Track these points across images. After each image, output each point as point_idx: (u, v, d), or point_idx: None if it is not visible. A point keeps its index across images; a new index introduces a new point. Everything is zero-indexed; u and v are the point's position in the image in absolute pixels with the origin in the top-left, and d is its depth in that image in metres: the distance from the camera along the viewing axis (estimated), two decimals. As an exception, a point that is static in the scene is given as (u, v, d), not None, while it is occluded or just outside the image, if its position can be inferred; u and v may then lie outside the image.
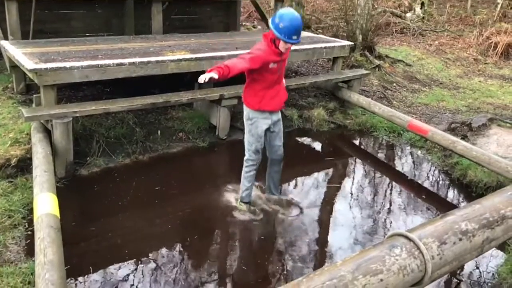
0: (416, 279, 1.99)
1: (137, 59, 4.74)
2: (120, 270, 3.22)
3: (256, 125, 3.73)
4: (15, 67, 5.01)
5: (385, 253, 1.93)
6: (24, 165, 4.14)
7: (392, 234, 2.11)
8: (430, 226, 2.16)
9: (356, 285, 1.76)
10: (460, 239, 2.14)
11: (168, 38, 6.08)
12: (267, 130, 3.80)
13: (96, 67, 4.47)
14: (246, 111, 3.76)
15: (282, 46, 3.44)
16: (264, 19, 8.46)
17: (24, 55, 4.51)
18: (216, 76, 3.20)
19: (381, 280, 1.83)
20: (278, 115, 3.86)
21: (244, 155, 3.87)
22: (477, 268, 3.56)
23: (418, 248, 1.99)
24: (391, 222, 4.11)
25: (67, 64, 4.34)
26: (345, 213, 4.17)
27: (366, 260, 1.88)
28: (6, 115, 4.81)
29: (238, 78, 5.90)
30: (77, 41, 5.44)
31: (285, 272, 3.33)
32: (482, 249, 2.93)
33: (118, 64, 4.60)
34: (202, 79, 3.19)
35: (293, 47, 6.00)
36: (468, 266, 3.52)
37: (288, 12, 3.39)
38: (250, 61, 3.38)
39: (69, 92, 5.56)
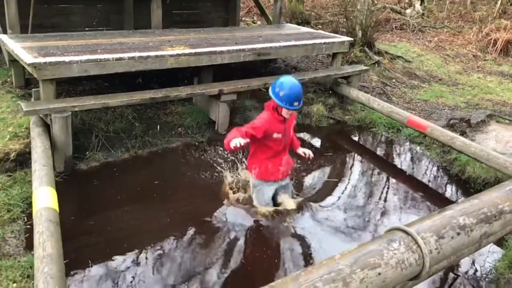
0: (414, 273, 2.00)
1: (137, 54, 4.74)
2: (119, 264, 3.23)
3: (262, 192, 3.76)
4: (14, 61, 5.00)
5: (383, 247, 1.93)
6: (23, 159, 4.14)
7: (391, 229, 2.11)
8: (429, 221, 2.16)
9: (354, 279, 1.77)
10: (458, 234, 2.14)
11: (167, 33, 6.07)
12: (274, 193, 3.82)
13: (95, 61, 4.47)
14: (252, 179, 3.79)
15: (285, 112, 3.50)
16: (263, 14, 8.44)
17: (23, 49, 4.50)
18: (244, 140, 3.32)
19: (379, 273, 1.84)
20: (286, 181, 3.87)
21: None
22: (475, 263, 3.57)
23: (416, 242, 1.99)
24: (389, 217, 4.11)
25: (66, 59, 4.33)
26: (343, 208, 4.17)
27: (364, 253, 1.88)
28: (5, 109, 4.80)
29: (236, 74, 5.92)
30: (76, 36, 5.43)
31: (283, 266, 3.34)
32: (480, 244, 2.95)
33: (117, 59, 4.59)
34: (237, 143, 3.28)
35: (293, 42, 6.05)
36: (466, 262, 3.53)
37: (287, 80, 3.45)
38: (253, 129, 3.46)
39: (68, 86, 5.56)
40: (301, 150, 3.84)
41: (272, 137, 3.54)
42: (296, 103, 3.42)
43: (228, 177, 4.23)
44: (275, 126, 3.53)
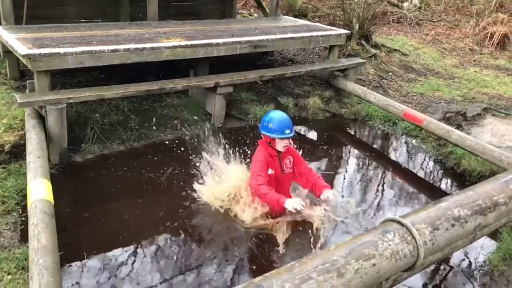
0: (409, 264, 2.00)
1: (132, 46, 4.71)
2: (114, 256, 3.23)
3: None
4: (8, 52, 4.96)
5: (378, 238, 1.94)
6: (18, 151, 4.11)
7: (386, 220, 2.11)
8: (423, 212, 2.16)
9: (349, 270, 1.77)
10: (453, 225, 2.15)
11: (163, 25, 6.03)
12: None
13: (91, 53, 4.44)
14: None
15: (279, 145, 3.51)
16: (260, 6, 8.40)
17: (17, 40, 4.46)
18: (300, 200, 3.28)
19: (374, 264, 1.84)
20: None
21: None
22: (469, 256, 3.59)
23: (411, 233, 2.00)
24: (385, 209, 4.13)
25: (61, 50, 4.30)
26: (339, 200, 4.17)
27: (359, 245, 1.89)
28: (0, 101, 4.76)
29: (232, 66, 5.89)
30: (71, 27, 5.39)
31: (277, 257, 3.34)
32: (475, 236, 2.96)
33: (112, 51, 4.56)
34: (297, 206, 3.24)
35: (290, 35, 6.02)
36: (460, 254, 3.55)
37: (274, 113, 3.58)
38: (261, 170, 3.45)
39: (64, 78, 5.52)
40: (325, 195, 3.54)
41: (267, 173, 3.56)
42: (287, 131, 3.46)
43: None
44: (270, 162, 3.57)
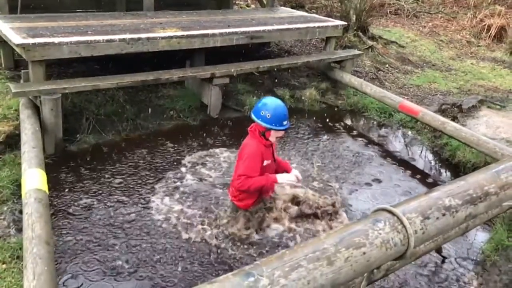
0: (399, 252, 2.01)
1: (128, 36, 4.69)
2: (108, 245, 3.23)
3: None
4: (2, 42, 4.93)
5: (369, 227, 1.94)
6: (13, 142, 4.11)
7: (377, 209, 2.12)
8: (414, 202, 2.17)
9: (339, 258, 1.78)
10: (444, 214, 2.16)
11: (159, 15, 6.00)
12: None
13: (86, 43, 4.42)
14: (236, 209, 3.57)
15: (273, 135, 3.32)
16: (257, -3, 8.36)
17: (11, 30, 4.44)
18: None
19: (364, 253, 1.85)
20: None
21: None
22: (462, 246, 3.62)
23: (402, 222, 2.00)
24: (378, 199, 4.14)
25: (56, 40, 4.28)
26: (334, 190, 4.19)
27: (349, 233, 1.89)
28: (-6, 91, 4.76)
29: (229, 57, 5.87)
30: (67, 17, 5.36)
31: (272, 245, 3.36)
32: (467, 226, 3.00)
33: (108, 41, 4.55)
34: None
35: (287, 26, 6.00)
36: (453, 245, 3.58)
37: (270, 101, 3.31)
38: (253, 166, 3.28)
39: (59, 68, 5.50)
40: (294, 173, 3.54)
41: (263, 165, 3.36)
42: (285, 122, 3.27)
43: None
44: (265, 153, 3.38)
